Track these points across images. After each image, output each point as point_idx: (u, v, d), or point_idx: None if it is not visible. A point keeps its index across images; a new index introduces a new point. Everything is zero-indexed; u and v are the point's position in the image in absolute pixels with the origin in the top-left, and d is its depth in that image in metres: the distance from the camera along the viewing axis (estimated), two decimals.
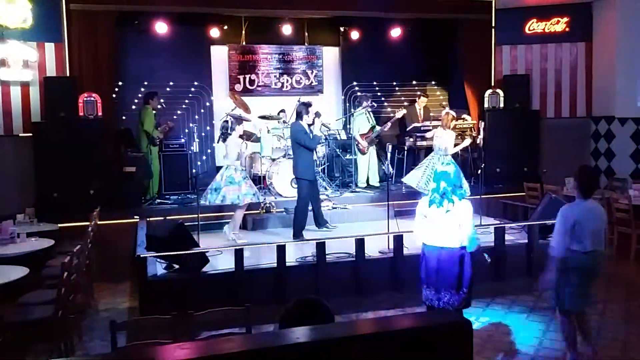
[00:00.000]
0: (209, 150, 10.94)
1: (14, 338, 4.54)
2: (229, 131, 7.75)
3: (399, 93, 11.97)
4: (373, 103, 10.40)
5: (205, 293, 5.87)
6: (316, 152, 8.47)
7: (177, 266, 6.39)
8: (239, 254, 6.22)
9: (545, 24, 10.87)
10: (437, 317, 3.65)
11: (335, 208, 8.94)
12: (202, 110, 10.92)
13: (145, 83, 10.30)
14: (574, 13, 10.71)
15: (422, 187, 8.59)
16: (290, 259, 6.55)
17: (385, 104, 11.77)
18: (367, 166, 10.30)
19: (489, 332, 5.46)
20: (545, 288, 4.96)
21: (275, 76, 11.48)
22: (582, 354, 4.67)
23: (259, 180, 9.50)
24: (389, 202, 7.54)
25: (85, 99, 8.74)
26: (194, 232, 7.03)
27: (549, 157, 10.34)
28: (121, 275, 7.33)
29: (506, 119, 10.48)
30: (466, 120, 10.63)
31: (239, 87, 11.18)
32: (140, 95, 10.04)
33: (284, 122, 10.15)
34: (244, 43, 11.19)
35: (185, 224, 6.80)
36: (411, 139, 10.24)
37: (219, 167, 10.67)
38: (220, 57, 11.17)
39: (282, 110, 10.43)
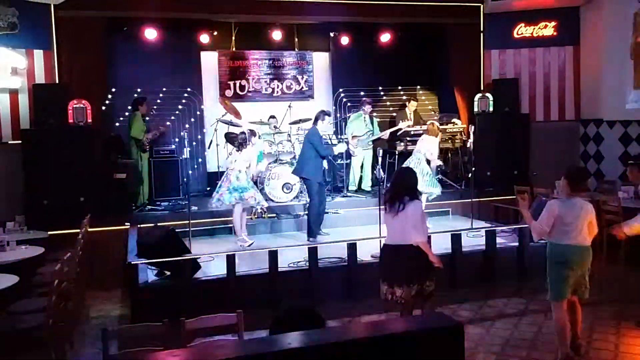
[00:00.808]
0: (196, 156, 10.91)
1: (3, 347, 4.50)
2: (247, 142, 7.97)
3: (389, 97, 12.02)
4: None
5: (197, 299, 5.86)
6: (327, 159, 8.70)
7: (168, 273, 6.37)
8: (230, 260, 6.21)
9: (534, 28, 10.95)
10: (429, 320, 3.65)
11: (327, 213, 8.94)
12: (193, 117, 10.91)
13: (135, 89, 10.27)
14: (562, 17, 10.80)
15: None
16: (283, 264, 6.55)
17: (376, 108, 11.80)
18: (360, 170, 10.30)
19: (481, 335, 5.48)
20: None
21: (265, 82, 11.49)
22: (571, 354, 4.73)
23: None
24: (381, 206, 7.54)
25: (74, 106, 8.70)
26: (186, 238, 7.01)
27: (539, 160, 10.41)
28: (112, 283, 7.30)
29: (496, 123, 10.54)
30: (456, 124, 10.70)
31: (229, 93, 11.18)
32: (129, 101, 10.01)
33: (275, 127, 10.15)
34: (234, 49, 11.20)
35: (177, 230, 6.78)
36: (402, 144, 10.27)
37: (211, 173, 10.72)
38: (210, 62, 11.17)
39: (273, 116, 10.44)
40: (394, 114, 11.49)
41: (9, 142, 8.66)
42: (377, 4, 10.38)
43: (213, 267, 6.75)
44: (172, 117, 10.73)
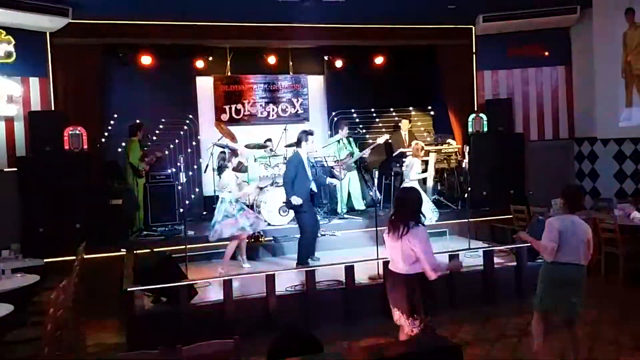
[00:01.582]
0: (192, 181, 10.90)
1: None
2: (225, 163, 7.69)
3: (384, 119, 12.08)
4: (358, 129, 10.45)
5: (194, 326, 5.81)
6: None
7: (164, 299, 6.31)
8: (227, 285, 6.17)
9: (525, 49, 11.07)
10: (428, 343, 3.63)
11: (324, 235, 8.92)
12: (189, 141, 10.93)
13: (131, 114, 10.28)
14: (552, 38, 10.93)
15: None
16: (280, 288, 6.51)
17: (371, 129, 11.86)
18: (347, 192, 10.27)
19: (481, 357, 5.43)
20: None
21: (261, 105, 11.56)
22: None
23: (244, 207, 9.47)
24: (377, 228, 7.53)
25: (70, 132, 8.73)
26: (182, 263, 6.97)
27: (534, 179, 10.45)
28: (108, 310, 7.22)
29: (490, 143, 10.60)
30: (451, 144, 10.76)
31: (225, 117, 11.23)
32: (125, 127, 10.03)
33: (271, 150, 10.18)
34: (229, 73, 11.28)
35: (173, 255, 6.75)
36: (398, 164, 10.31)
37: (207, 197, 10.71)
38: (205, 87, 11.24)
39: (269, 139, 10.47)
40: (387, 135, 11.56)
41: (5, 169, 8.66)
42: (370, 27, 10.52)
43: (210, 293, 6.71)
44: (168, 142, 10.74)
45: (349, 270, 6.60)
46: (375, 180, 7.80)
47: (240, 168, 9.84)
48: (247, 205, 9.49)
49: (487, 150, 10.53)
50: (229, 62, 11.16)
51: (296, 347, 2.08)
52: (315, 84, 12.02)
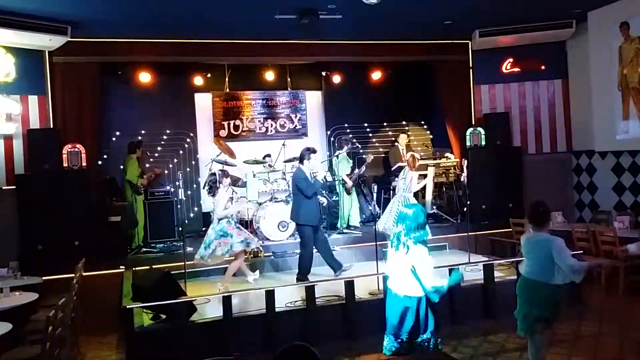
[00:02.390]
0: (191, 197, 10.91)
1: None
2: (217, 184, 7.72)
3: (381, 134, 12.12)
4: (357, 145, 10.56)
5: (194, 343, 5.77)
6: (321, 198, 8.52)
7: (164, 316, 6.28)
8: (227, 302, 6.14)
9: (521, 63, 11.15)
10: (428, 358, 3.61)
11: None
12: (187, 158, 10.95)
13: (130, 132, 10.34)
14: (549, 52, 11.01)
15: (387, 228, 8.43)
16: (280, 304, 6.48)
17: (368, 145, 11.90)
18: (350, 207, 10.33)
19: None
20: None
21: (259, 121, 11.60)
22: None
23: (245, 225, 9.47)
24: (377, 243, 7.52)
25: (69, 150, 8.75)
26: (181, 280, 6.94)
27: (533, 192, 10.44)
28: (107, 328, 7.18)
29: (489, 156, 10.63)
30: (449, 158, 10.79)
31: (223, 133, 11.27)
32: (124, 144, 10.05)
33: (270, 165, 10.21)
34: (227, 89, 11.34)
35: (172, 272, 6.72)
36: (396, 179, 10.31)
37: (206, 214, 10.70)
38: (204, 104, 11.29)
39: (268, 155, 10.50)
40: (387, 151, 11.62)
41: (3, 187, 8.66)
42: (367, 43, 10.60)
43: (209, 309, 6.67)
44: (167, 159, 10.77)
45: (349, 285, 6.57)
46: (374, 195, 7.80)
47: (239, 184, 9.89)
48: (245, 221, 9.53)
49: (485, 164, 10.55)
50: (227, 79, 11.22)
51: None
52: (313, 99, 12.08)
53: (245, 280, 7.87)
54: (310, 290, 6.42)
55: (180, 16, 8.51)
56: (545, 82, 11.19)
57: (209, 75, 10.86)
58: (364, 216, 10.80)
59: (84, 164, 8.82)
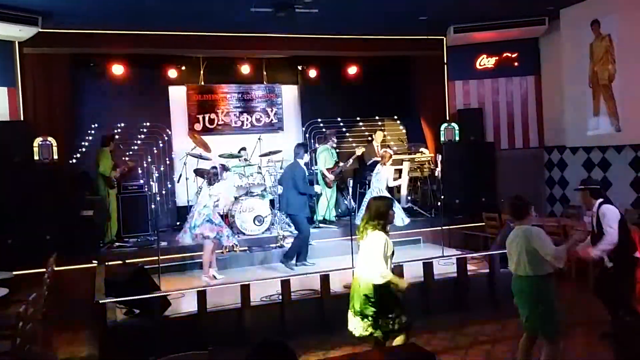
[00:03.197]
0: (165, 191, 10.80)
1: None
2: (219, 177, 7.78)
3: (357, 128, 12.16)
4: (334, 139, 10.54)
5: (167, 338, 5.73)
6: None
7: (137, 311, 6.22)
8: (201, 296, 6.11)
9: (495, 59, 11.29)
10: (402, 352, 3.65)
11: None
12: (162, 151, 10.84)
13: (103, 124, 10.18)
14: (522, 48, 11.17)
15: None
16: (255, 298, 6.47)
17: (345, 139, 11.93)
18: (327, 201, 10.35)
19: None
20: None
21: (235, 115, 11.53)
22: None
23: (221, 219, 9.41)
24: (353, 237, 7.55)
25: (40, 142, 8.59)
26: (155, 274, 6.89)
27: (506, 187, 10.59)
28: (80, 323, 7.09)
29: (462, 152, 10.75)
30: (424, 153, 10.88)
31: (198, 127, 11.17)
32: (97, 137, 9.90)
33: (245, 160, 10.16)
34: (202, 83, 11.23)
35: (146, 266, 6.66)
36: (372, 174, 10.37)
37: (180, 208, 10.62)
38: (178, 97, 11.17)
39: (243, 148, 10.45)
40: (363, 148, 11.65)
41: None
42: (343, 38, 10.61)
43: (184, 304, 6.63)
44: (141, 152, 10.64)
45: (324, 279, 6.59)
46: (350, 190, 7.84)
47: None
48: (221, 215, 9.47)
49: (459, 159, 10.67)
50: (202, 72, 11.11)
51: (270, 358, 2.08)
52: (289, 93, 12.05)
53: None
54: (285, 285, 6.43)
55: (155, 7, 8.40)
56: (519, 79, 11.36)
57: (183, 68, 10.75)
58: (339, 210, 10.84)
59: (56, 157, 8.66)
